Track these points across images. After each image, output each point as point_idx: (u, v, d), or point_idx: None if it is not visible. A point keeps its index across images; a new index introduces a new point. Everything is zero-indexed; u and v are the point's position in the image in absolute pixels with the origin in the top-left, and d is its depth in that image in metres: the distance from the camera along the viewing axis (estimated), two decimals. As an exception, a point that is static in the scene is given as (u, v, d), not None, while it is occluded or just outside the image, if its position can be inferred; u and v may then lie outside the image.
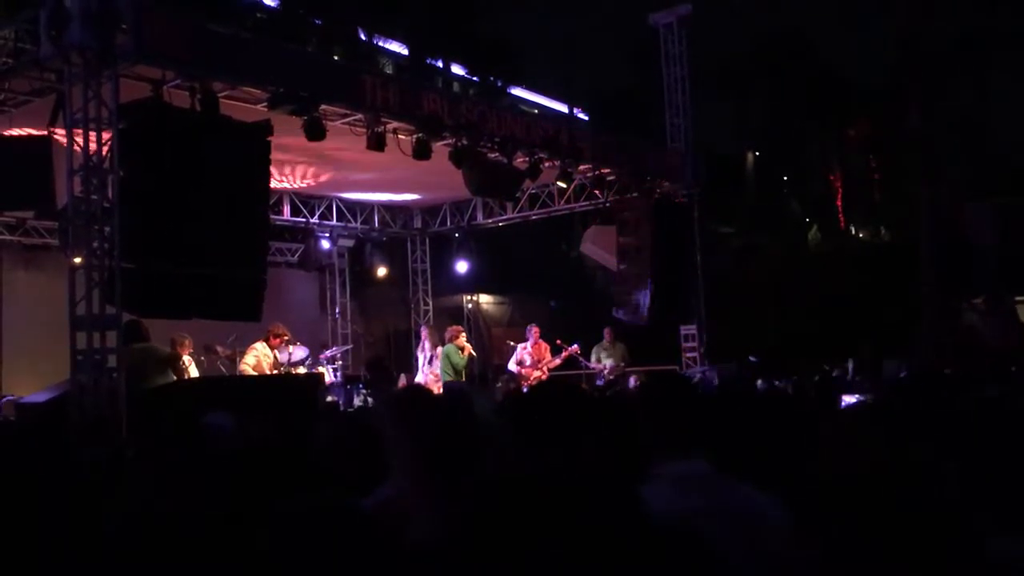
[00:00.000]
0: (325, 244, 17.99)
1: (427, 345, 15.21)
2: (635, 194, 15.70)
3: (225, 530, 3.17)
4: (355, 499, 3.11)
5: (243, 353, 12.62)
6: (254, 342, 12.65)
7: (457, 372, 13.67)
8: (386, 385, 12.88)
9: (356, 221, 17.88)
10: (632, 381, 14.52)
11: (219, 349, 12.94)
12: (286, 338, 12.89)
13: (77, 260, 8.72)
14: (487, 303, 24.91)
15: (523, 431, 3.15)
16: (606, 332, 16.06)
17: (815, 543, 2.60)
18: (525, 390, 12.37)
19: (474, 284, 23.54)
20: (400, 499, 2.83)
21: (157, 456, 5.11)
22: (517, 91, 33.54)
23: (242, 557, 2.83)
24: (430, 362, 14.85)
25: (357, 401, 13.35)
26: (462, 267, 19.82)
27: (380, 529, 2.42)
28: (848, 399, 8.40)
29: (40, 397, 9.71)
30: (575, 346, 15.44)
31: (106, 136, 8.77)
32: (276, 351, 12.67)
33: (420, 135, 11.83)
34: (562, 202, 16.75)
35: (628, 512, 2.28)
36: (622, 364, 15.76)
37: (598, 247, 17.46)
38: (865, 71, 32.25)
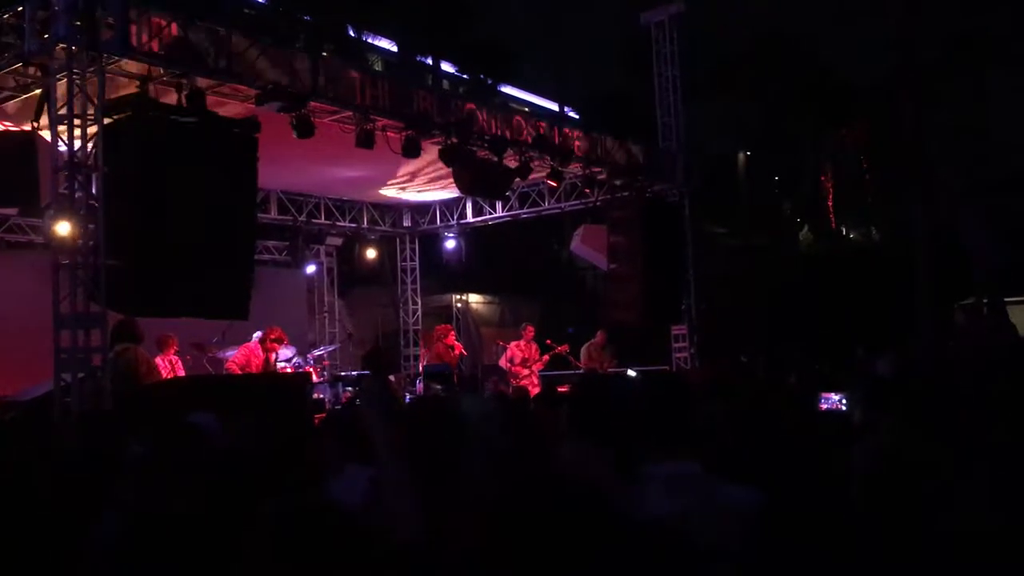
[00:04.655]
0: (314, 243, 17.93)
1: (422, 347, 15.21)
2: (626, 193, 15.66)
3: (212, 530, 3.12)
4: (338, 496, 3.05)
5: (232, 351, 12.55)
6: (243, 341, 12.58)
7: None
8: (386, 377, 12.84)
9: (345, 220, 17.82)
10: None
11: (205, 347, 12.86)
12: (280, 341, 12.80)
13: (61, 255, 8.62)
14: (476, 303, 24.85)
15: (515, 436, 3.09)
16: (599, 333, 15.91)
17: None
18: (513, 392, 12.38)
19: (463, 283, 23.49)
20: (384, 496, 2.78)
21: (144, 456, 5.05)
22: (508, 89, 33.44)
23: (230, 557, 2.77)
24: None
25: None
26: (451, 266, 19.79)
27: (364, 527, 2.38)
28: (831, 396, 8.42)
29: (25, 395, 9.62)
30: (564, 345, 15.39)
31: (91, 132, 8.68)
32: (270, 353, 12.56)
33: (409, 133, 11.76)
34: (552, 201, 16.72)
35: (615, 514, 2.23)
36: (605, 365, 15.56)
37: (589, 246, 17.43)
38: (859, 71, 32.13)
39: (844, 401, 7.96)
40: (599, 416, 3.01)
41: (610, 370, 15.27)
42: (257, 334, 12.56)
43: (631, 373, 15.19)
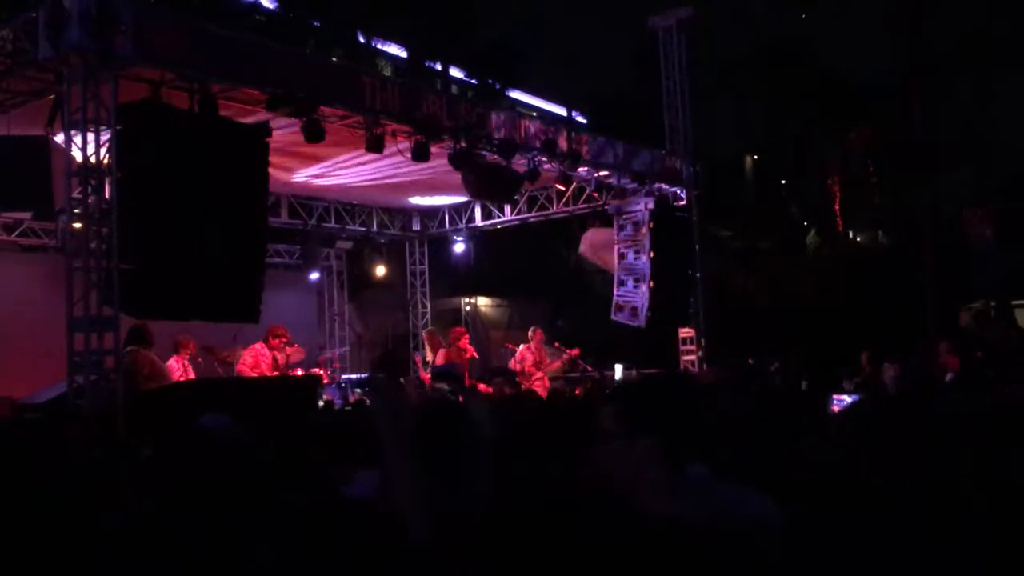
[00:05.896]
0: (323, 247, 17.98)
1: (427, 349, 15.21)
2: (634, 197, 15.69)
3: (222, 531, 3.17)
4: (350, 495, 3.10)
5: (241, 355, 12.63)
6: (253, 343, 12.67)
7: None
8: (398, 381, 12.86)
9: (355, 223, 17.86)
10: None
11: (217, 351, 12.95)
12: (285, 340, 12.91)
13: (75, 259, 8.70)
14: (486, 306, 24.88)
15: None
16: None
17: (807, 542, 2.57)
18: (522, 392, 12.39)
19: (473, 287, 23.52)
20: (391, 496, 2.82)
21: (154, 458, 5.11)
22: (516, 94, 33.47)
23: (240, 558, 2.82)
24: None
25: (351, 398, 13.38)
26: (460, 270, 19.83)
27: (376, 525, 2.40)
28: (843, 398, 8.49)
29: (38, 398, 9.69)
30: (576, 350, 15.40)
31: (104, 137, 8.75)
32: (276, 352, 12.70)
33: (419, 137, 11.81)
34: (561, 204, 16.72)
35: (624, 515, 2.26)
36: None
37: (597, 250, 17.44)
38: (865, 74, 32.08)
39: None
40: (659, 414, 3.01)
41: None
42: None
43: (618, 369, 15.27)
